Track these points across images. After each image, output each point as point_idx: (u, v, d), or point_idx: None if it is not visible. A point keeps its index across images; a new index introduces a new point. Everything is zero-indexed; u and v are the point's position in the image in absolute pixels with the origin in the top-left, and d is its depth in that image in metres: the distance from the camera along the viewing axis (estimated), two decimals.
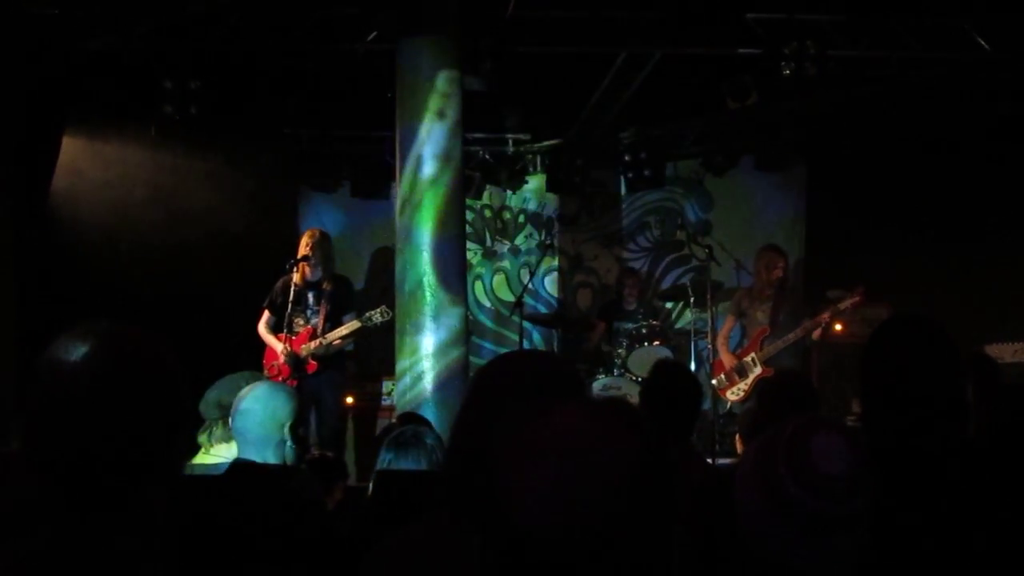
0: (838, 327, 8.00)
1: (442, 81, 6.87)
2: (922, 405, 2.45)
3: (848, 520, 1.75)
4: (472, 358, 8.07)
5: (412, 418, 5.48)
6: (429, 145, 6.85)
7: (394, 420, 7.40)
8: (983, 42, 8.10)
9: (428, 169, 6.84)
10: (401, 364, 6.85)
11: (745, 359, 8.00)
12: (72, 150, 8.34)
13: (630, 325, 8.96)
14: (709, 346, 8.39)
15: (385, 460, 3.61)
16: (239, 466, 3.28)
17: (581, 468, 1.28)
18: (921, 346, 2.52)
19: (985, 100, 8.61)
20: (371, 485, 4.40)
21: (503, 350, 10.48)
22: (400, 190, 6.98)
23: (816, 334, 7.80)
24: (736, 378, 8.04)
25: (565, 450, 1.29)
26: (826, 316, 7.65)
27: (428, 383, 6.68)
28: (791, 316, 7.91)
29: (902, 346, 2.55)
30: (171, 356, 1.86)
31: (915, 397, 2.46)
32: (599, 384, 8.38)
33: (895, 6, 7.81)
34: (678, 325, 10.39)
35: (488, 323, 10.91)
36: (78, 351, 1.78)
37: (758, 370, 7.88)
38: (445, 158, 6.87)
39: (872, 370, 2.58)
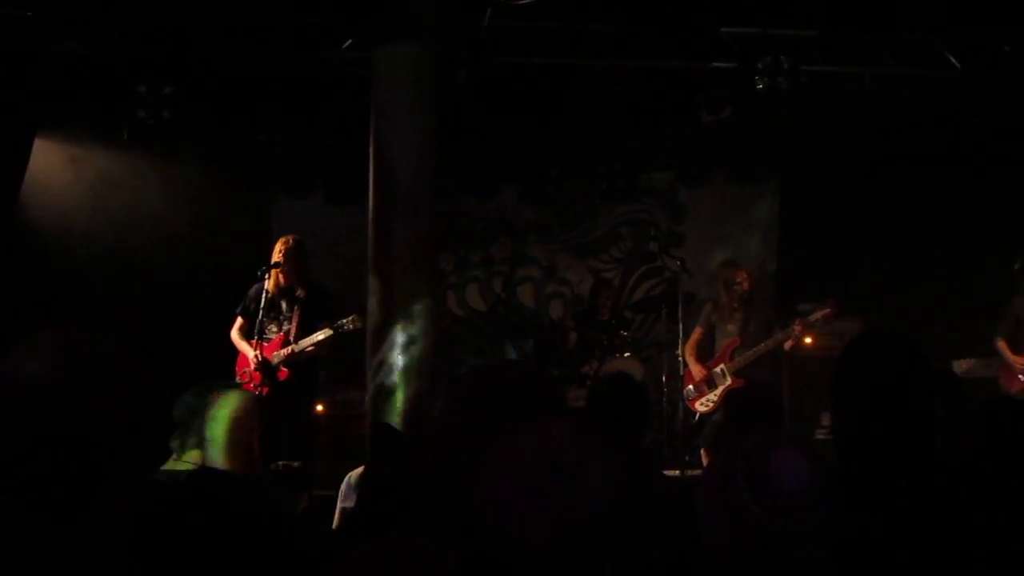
0: (809, 340, 8.04)
1: (417, 90, 6.86)
2: (892, 419, 2.45)
3: (807, 537, 1.75)
4: (444, 368, 8.05)
5: (385, 428, 5.47)
6: (403, 154, 6.83)
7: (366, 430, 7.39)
8: (953, 59, 8.20)
9: (402, 178, 6.82)
10: (371, 373, 6.83)
11: (715, 370, 8.02)
12: (43, 154, 8.27)
13: (603, 336, 8.98)
14: (680, 357, 8.41)
15: None
16: (202, 473, 3.26)
17: (566, 485, 1.28)
18: (892, 361, 2.52)
19: (955, 116, 8.71)
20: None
21: (475, 359, 10.47)
22: (373, 198, 6.96)
23: (787, 345, 7.84)
24: (705, 389, 8.06)
25: (549, 468, 1.30)
26: (796, 328, 7.69)
27: (399, 392, 6.66)
28: (762, 328, 7.94)
29: (873, 360, 2.56)
30: (132, 363, 1.84)
31: (885, 411, 2.46)
32: (571, 395, 8.37)
33: (868, 23, 7.88)
34: (650, 336, 10.40)
35: (461, 333, 10.88)
36: (36, 358, 1.76)
37: (728, 381, 7.90)
38: (419, 168, 6.85)
39: (843, 384, 2.58)
